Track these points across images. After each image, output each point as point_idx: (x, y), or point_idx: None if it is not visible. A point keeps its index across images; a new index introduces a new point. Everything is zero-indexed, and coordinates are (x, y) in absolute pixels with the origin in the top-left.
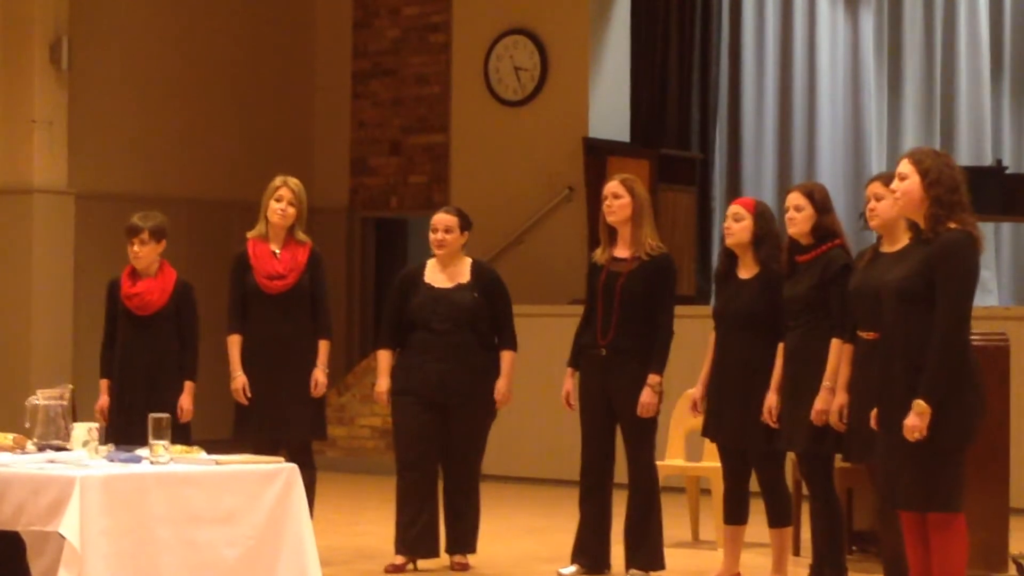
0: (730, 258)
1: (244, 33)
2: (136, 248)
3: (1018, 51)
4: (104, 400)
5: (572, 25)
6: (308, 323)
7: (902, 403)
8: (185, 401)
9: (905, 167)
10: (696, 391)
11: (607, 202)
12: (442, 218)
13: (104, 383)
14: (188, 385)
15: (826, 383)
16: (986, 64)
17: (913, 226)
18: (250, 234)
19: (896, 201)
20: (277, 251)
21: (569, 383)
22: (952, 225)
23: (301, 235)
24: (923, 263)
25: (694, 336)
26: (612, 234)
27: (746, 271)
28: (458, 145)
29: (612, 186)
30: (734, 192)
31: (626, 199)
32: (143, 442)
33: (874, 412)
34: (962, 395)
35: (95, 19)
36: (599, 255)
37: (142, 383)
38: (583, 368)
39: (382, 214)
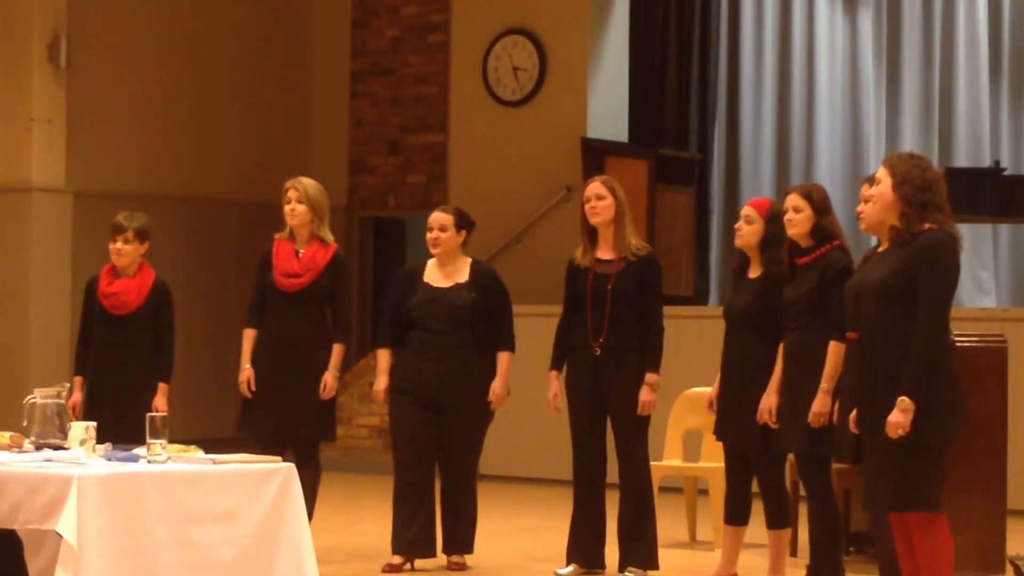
0: (744, 257)
1: (243, 32)
2: (119, 246)
3: (1016, 52)
4: (77, 397)
5: (571, 25)
6: (322, 324)
7: (883, 403)
8: (159, 403)
9: (880, 172)
10: (712, 390)
11: (591, 204)
12: (437, 217)
13: (78, 380)
14: (162, 387)
15: (824, 385)
16: (984, 65)
17: (892, 227)
18: (278, 234)
19: (875, 205)
20: (300, 251)
21: (555, 385)
22: (928, 225)
23: (327, 236)
24: (903, 263)
25: (691, 336)
26: (591, 235)
27: (754, 272)
28: (456, 145)
29: (595, 188)
30: (732, 192)
31: (609, 200)
32: (114, 442)
33: (853, 414)
34: (943, 393)
35: (94, 17)
36: (580, 257)
37: (114, 383)
38: (572, 368)
39: (380, 213)
